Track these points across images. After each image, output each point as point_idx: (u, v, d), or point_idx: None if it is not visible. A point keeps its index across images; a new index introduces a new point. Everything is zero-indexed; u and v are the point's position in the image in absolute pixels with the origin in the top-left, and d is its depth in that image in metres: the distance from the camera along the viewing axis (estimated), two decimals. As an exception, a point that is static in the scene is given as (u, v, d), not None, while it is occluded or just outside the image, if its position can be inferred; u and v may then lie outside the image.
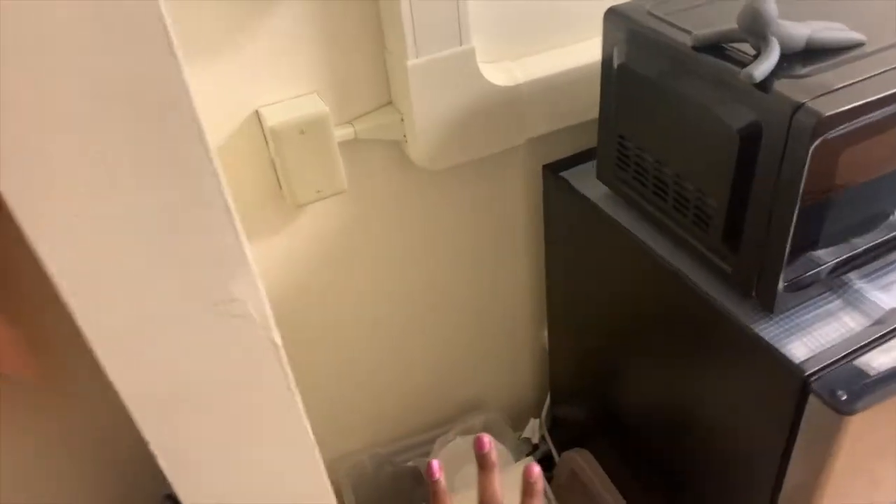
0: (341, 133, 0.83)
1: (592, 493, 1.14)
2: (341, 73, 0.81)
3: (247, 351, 0.54)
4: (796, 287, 0.67)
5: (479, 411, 1.21)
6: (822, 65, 0.62)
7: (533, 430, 1.26)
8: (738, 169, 0.63)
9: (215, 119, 0.77)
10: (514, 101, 0.87)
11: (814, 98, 0.57)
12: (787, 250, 0.63)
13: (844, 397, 0.61)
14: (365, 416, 1.15)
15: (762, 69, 0.59)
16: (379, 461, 1.15)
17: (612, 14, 0.74)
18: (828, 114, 0.56)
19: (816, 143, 0.57)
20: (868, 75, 0.60)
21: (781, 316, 0.69)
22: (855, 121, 0.57)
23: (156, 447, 0.49)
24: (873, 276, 0.72)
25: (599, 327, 0.98)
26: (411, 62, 0.78)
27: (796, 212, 0.60)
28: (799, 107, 0.57)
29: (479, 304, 1.10)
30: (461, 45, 0.80)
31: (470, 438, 1.14)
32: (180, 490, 0.54)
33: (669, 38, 0.68)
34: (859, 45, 0.64)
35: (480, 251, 1.04)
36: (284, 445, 0.69)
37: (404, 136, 0.85)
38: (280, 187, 0.84)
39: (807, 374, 0.63)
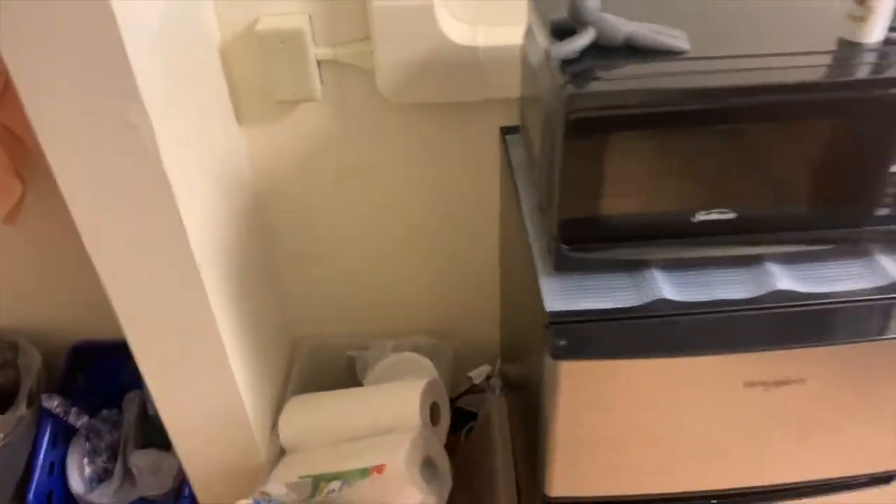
0: (322, 52, 1.02)
1: (491, 440, 1.26)
2: (333, 3, 1.00)
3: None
4: (583, 257, 0.76)
5: (435, 336, 1.36)
6: (627, 59, 0.70)
7: (479, 373, 1.38)
8: (544, 139, 0.74)
9: (227, 18, 1.00)
10: (472, 60, 1.00)
11: (582, 80, 0.66)
12: (558, 218, 0.73)
13: (560, 346, 0.71)
14: (337, 307, 1.35)
15: (564, 49, 0.69)
16: (332, 347, 1.35)
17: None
18: (577, 92, 0.65)
19: (573, 117, 0.66)
20: (648, 73, 0.67)
21: (568, 276, 0.77)
22: (611, 108, 0.66)
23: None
24: (676, 273, 0.78)
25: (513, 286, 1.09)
26: (376, 3, 0.95)
27: (557, 181, 0.70)
28: (565, 83, 0.66)
29: (447, 242, 1.25)
30: (420, -2, 0.95)
31: (407, 356, 1.30)
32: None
33: (542, 24, 0.78)
34: (680, 52, 0.70)
35: (448, 192, 1.19)
36: (169, 267, 0.91)
37: (373, 66, 1.03)
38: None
39: (548, 321, 0.73)
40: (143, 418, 1.38)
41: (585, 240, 0.76)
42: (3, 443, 1.21)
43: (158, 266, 0.92)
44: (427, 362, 1.28)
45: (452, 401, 1.36)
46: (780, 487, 0.85)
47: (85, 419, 1.33)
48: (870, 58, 0.70)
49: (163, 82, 0.82)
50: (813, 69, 0.69)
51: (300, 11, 1.00)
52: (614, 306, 0.74)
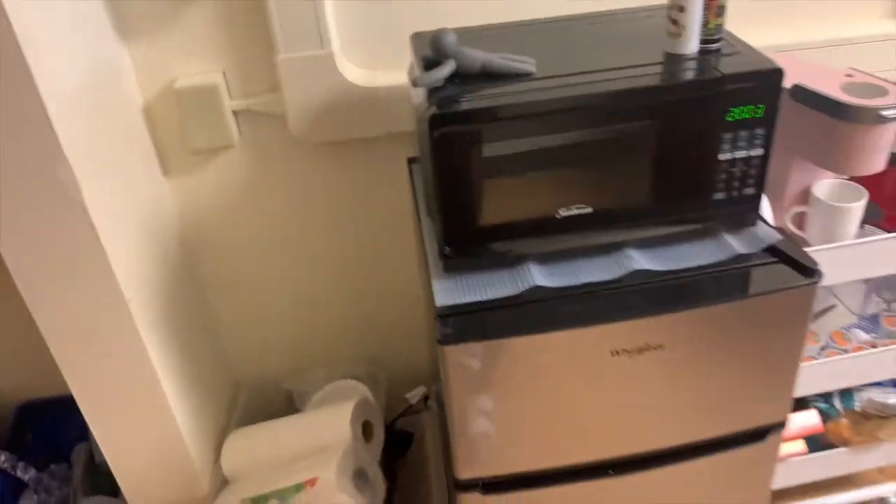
0: (237, 103, 1.13)
1: (426, 455, 1.34)
2: (244, 59, 1.11)
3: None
4: (468, 254, 0.87)
5: (370, 363, 1.44)
6: (483, 84, 0.82)
7: (415, 394, 1.46)
8: (423, 158, 0.85)
9: (147, 80, 1.10)
10: (373, 99, 1.12)
11: (443, 102, 0.78)
12: (442, 224, 0.84)
13: (447, 334, 0.80)
14: (274, 345, 1.43)
15: (426, 78, 0.81)
16: (272, 383, 1.42)
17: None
18: (438, 113, 0.77)
19: (437, 134, 0.78)
20: (500, 93, 0.79)
21: (456, 276, 0.88)
22: (469, 123, 0.78)
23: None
24: (548, 265, 0.88)
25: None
26: (281, 57, 1.07)
27: (435, 193, 0.81)
28: (428, 106, 0.78)
29: (372, 270, 1.34)
30: (322, 48, 1.07)
31: (341, 383, 1.37)
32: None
33: (416, 60, 0.90)
34: (528, 74, 0.83)
35: (368, 223, 1.28)
36: (100, 306, 0.99)
37: (284, 112, 1.14)
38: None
39: (437, 314, 0.83)
40: (91, 468, 1.42)
41: (467, 243, 0.86)
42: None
43: (90, 306, 0.99)
44: (362, 387, 1.36)
45: (391, 422, 1.43)
46: (665, 452, 0.94)
47: (32, 472, 1.36)
48: (688, 65, 0.83)
49: (86, 141, 0.91)
50: (640, 78, 0.82)
51: (215, 69, 1.11)
52: (495, 297, 0.85)
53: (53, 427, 1.44)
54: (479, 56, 0.83)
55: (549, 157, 0.83)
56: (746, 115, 0.82)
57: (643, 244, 0.90)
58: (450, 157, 0.80)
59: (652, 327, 0.83)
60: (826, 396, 1.30)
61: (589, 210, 0.86)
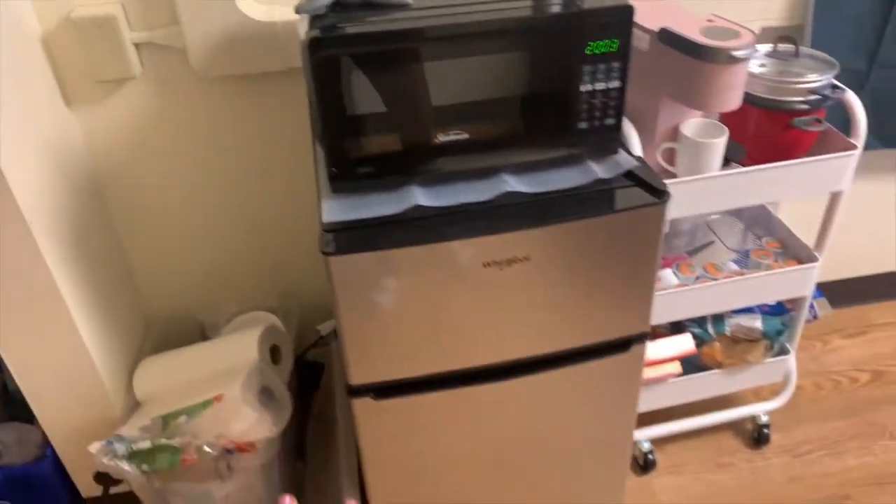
0: (137, 35, 1.16)
1: (333, 381, 1.42)
2: (145, -7, 1.14)
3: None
4: (352, 177, 0.93)
5: (281, 297, 1.50)
6: (362, 13, 0.88)
7: (327, 326, 1.53)
8: (309, 85, 0.90)
9: (44, 11, 1.12)
10: (272, 34, 1.16)
11: (323, 28, 0.84)
12: (327, 146, 0.90)
13: (329, 246, 0.87)
14: (184, 280, 1.47)
15: (307, 5, 0.86)
16: (185, 318, 1.47)
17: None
18: (317, 36, 0.82)
19: (313, 57, 0.83)
20: (375, 21, 0.86)
21: (341, 190, 0.94)
22: (347, 47, 0.83)
23: None
24: (430, 187, 0.96)
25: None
26: (179, -10, 1.10)
27: (318, 116, 0.87)
28: (309, 32, 0.83)
29: (278, 201, 1.39)
30: (220, -18, 1.11)
31: (252, 315, 1.43)
32: None
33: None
34: (405, 5, 0.89)
35: (270, 155, 1.33)
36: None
37: (185, 46, 1.17)
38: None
39: (322, 228, 0.90)
40: (5, 396, 1.45)
41: (352, 165, 0.93)
42: None
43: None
44: (272, 317, 1.42)
45: (303, 353, 1.50)
46: (538, 359, 1.04)
47: (-56, 401, 1.39)
48: (551, 3, 0.91)
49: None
50: (507, 11, 0.89)
51: (114, 0, 1.14)
52: (378, 214, 0.92)
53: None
54: (360, -12, 0.89)
55: (425, 85, 0.90)
56: (603, 50, 0.90)
57: (516, 170, 0.98)
58: (330, 81, 0.86)
59: (518, 241, 0.92)
60: (700, 322, 1.43)
61: (465, 136, 0.93)
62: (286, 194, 1.39)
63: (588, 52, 0.90)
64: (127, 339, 1.38)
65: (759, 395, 1.63)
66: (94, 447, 1.18)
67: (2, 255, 1.07)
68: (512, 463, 1.18)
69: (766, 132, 1.21)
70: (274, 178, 1.36)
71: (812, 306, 1.53)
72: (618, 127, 0.97)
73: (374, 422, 1.05)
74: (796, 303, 1.42)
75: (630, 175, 0.98)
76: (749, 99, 1.17)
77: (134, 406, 1.31)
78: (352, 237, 0.90)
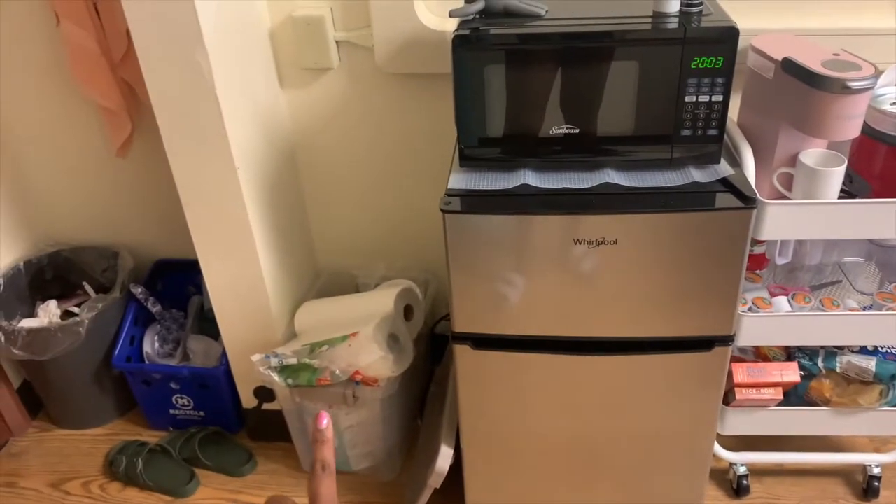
0: (339, 34, 1.45)
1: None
2: (348, 1, 1.42)
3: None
4: (476, 155, 1.12)
5: (424, 271, 1.72)
6: (502, 20, 1.07)
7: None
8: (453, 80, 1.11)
9: (274, 8, 1.44)
10: (442, 41, 1.40)
11: (466, 30, 1.04)
12: (459, 128, 1.10)
13: (447, 204, 1.07)
14: (351, 244, 1.75)
15: (458, 11, 1.08)
16: (346, 275, 1.74)
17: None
18: (461, 34, 1.03)
19: (456, 51, 1.04)
20: (513, 25, 1.05)
21: (467, 166, 1.14)
22: (485, 45, 1.03)
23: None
24: (540, 171, 1.13)
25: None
26: (372, 2, 1.37)
27: (456, 104, 1.07)
28: (455, 32, 1.05)
29: (432, 191, 1.61)
30: (406, -4, 1.36)
31: (397, 280, 1.66)
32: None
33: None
34: (539, 15, 1.07)
35: (430, 147, 1.57)
36: (215, 168, 1.34)
37: (373, 45, 1.44)
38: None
39: (445, 192, 1.10)
40: (201, 315, 1.82)
41: (479, 145, 1.12)
42: (100, 310, 1.66)
43: (210, 170, 1.35)
44: (412, 283, 1.65)
45: (433, 325, 1.71)
46: (620, 340, 1.15)
47: (159, 307, 1.77)
48: (667, 20, 1.04)
49: (221, 44, 1.26)
50: (625, 25, 1.04)
51: (325, 5, 1.43)
52: (492, 188, 1.10)
53: (178, 282, 1.85)
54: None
55: (547, 83, 1.07)
56: (708, 65, 1.02)
57: (620, 166, 1.12)
58: (466, 73, 1.06)
59: (608, 223, 1.05)
60: (811, 355, 1.44)
61: (577, 130, 1.09)
62: (436, 181, 1.60)
63: (693, 67, 1.02)
64: (297, 281, 1.68)
65: (878, 448, 1.57)
66: (256, 357, 1.47)
67: (213, 193, 1.38)
68: (593, 444, 1.29)
69: (892, 170, 1.22)
70: (428, 164, 1.59)
71: (941, 359, 1.47)
72: (719, 138, 1.07)
73: (470, 369, 1.22)
74: (921, 351, 1.38)
75: (725, 182, 1.07)
76: (877, 136, 1.21)
77: (292, 335, 1.59)
78: (466, 202, 1.09)
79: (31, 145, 1.75)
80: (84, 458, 1.76)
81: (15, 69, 1.64)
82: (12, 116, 1.71)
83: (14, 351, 1.61)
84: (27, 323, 1.69)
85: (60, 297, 1.82)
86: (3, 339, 1.60)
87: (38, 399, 1.86)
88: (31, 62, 1.62)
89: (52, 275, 1.85)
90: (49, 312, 1.75)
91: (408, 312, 1.57)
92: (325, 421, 0.55)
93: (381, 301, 1.52)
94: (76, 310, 1.77)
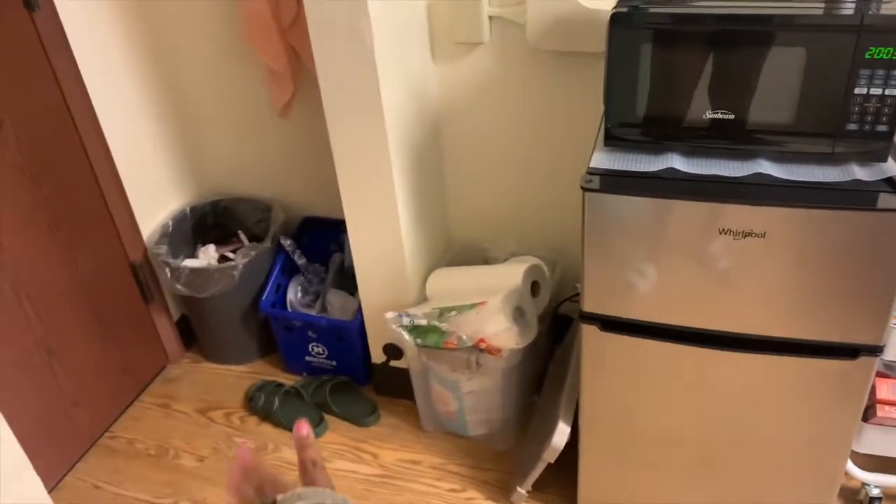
0: (493, 10, 1.47)
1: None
2: (505, -24, 1.45)
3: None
4: (623, 135, 1.12)
5: (552, 251, 1.73)
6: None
7: (589, 284, 1.72)
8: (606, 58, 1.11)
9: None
10: (595, 20, 1.38)
11: (626, 7, 1.03)
12: (607, 104, 1.09)
13: (588, 183, 1.08)
14: (484, 218, 1.78)
15: (621, -10, 1.07)
16: (477, 247, 1.78)
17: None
18: (618, 11, 1.02)
19: (613, 28, 1.03)
20: (676, 4, 1.03)
21: (612, 145, 1.13)
22: (641, 24, 1.02)
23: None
24: (689, 156, 1.10)
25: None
26: (531, -24, 1.38)
27: (607, 80, 1.07)
28: (615, 7, 1.04)
29: (571, 173, 1.62)
30: (561, -28, 1.36)
31: (526, 257, 1.68)
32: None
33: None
34: (705, -4, 1.04)
35: (574, 128, 1.56)
36: (368, 133, 1.41)
37: (525, 22, 1.45)
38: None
39: (587, 170, 1.10)
40: (341, 270, 1.93)
41: (627, 127, 1.11)
42: (252, 258, 1.81)
43: (362, 132, 1.42)
44: (540, 261, 1.66)
45: (557, 305, 1.72)
46: (758, 338, 1.11)
47: (304, 261, 1.90)
48: (844, 6, 0.98)
49: (383, 14, 1.32)
50: (797, 10, 0.99)
51: (483, -21, 1.46)
52: (637, 169, 1.09)
53: (323, 238, 1.96)
54: (668, -20, 1.06)
55: (704, 66, 1.03)
56: (885, 56, 0.95)
57: (775, 157, 1.07)
58: (621, 51, 1.05)
59: (756, 215, 1.01)
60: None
61: (731, 116, 1.05)
62: (575, 161, 1.59)
63: (868, 57, 0.96)
64: (431, 248, 1.74)
65: None
66: (389, 315, 1.55)
67: (365, 157, 1.46)
68: (716, 443, 1.26)
69: None
70: (570, 145, 1.58)
71: None
72: (890, 134, 1.00)
73: (596, 350, 1.23)
74: None
75: (890, 182, 1.01)
76: None
77: (423, 299, 1.66)
78: (608, 181, 1.09)
79: (203, 103, 1.92)
80: (228, 391, 1.93)
81: (192, 33, 1.80)
82: (189, 77, 1.88)
83: (178, 286, 1.78)
84: (189, 262, 1.86)
85: (219, 242, 1.99)
86: (168, 274, 1.78)
87: (193, 333, 2.06)
88: (207, 25, 1.77)
89: (212, 221, 2.02)
90: (208, 255, 1.92)
91: (534, 289, 1.58)
92: (305, 430, 0.59)
93: (510, 274, 1.55)
94: (231, 255, 1.93)
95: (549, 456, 1.38)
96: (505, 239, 1.76)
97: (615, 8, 1.04)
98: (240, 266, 1.78)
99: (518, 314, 1.49)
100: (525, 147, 1.65)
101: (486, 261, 1.77)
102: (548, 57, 1.50)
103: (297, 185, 1.98)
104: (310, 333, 1.83)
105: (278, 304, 1.88)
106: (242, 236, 2.01)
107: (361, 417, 1.78)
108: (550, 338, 1.78)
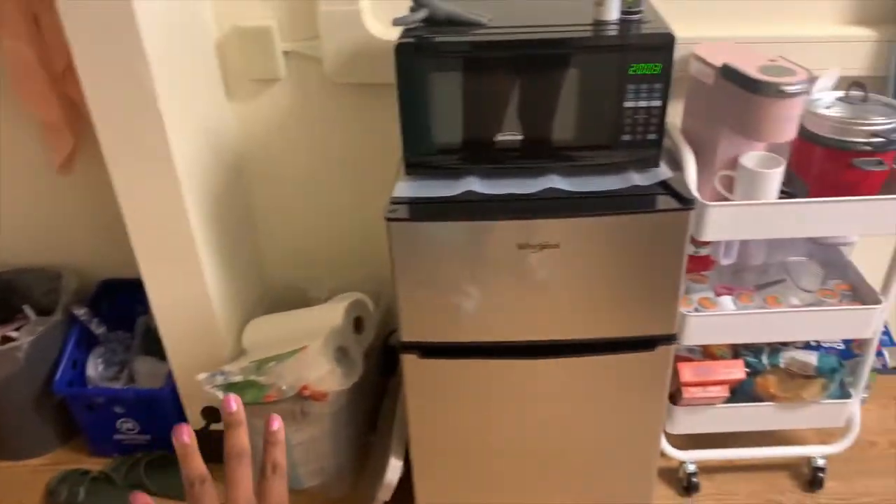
0: (287, 45, 1.44)
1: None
2: (295, 9, 1.41)
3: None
4: (422, 163, 1.12)
5: (377, 283, 1.70)
6: (446, 28, 1.08)
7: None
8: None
9: (220, 19, 1.43)
10: (389, 50, 1.39)
11: (409, 37, 1.04)
12: (403, 135, 1.10)
13: (392, 213, 1.07)
14: (302, 258, 1.72)
15: (401, 19, 1.08)
16: (297, 289, 1.72)
17: None
18: (404, 42, 1.03)
19: (400, 59, 1.04)
20: (454, 33, 1.05)
21: (413, 173, 1.14)
22: (427, 53, 1.04)
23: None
24: (485, 178, 1.13)
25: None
26: (321, 10, 1.37)
27: (400, 111, 1.07)
28: (399, 38, 1.05)
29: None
30: (352, 4, 1.36)
31: (349, 293, 1.64)
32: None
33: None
34: (481, 24, 1.08)
35: (379, 158, 1.55)
36: (156, 179, 1.31)
37: (322, 56, 1.43)
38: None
39: (390, 200, 1.09)
40: (147, 335, 1.77)
41: (423, 154, 1.12)
42: (39, 334, 1.61)
43: (152, 182, 1.32)
44: (363, 295, 1.63)
45: (386, 337, 1.70)
46: (565, 343, 1.16)
47: (104, 329, 1.72)
48: (606, 28, 1.06)
49: (164, 55, 1.23)
50: (564, 32, 1.05)
51: (272, 16, 1.43)
52: (437, 195, 1.10)
53: (125, 302, 1.79)
54: (446, 7, 1.09)
55: (490, 91, 1.08)
56: (646, 71, 1.04)
57: (564, 172, 1.13)
58: (411, 80, 1.06)
59: (550, 228, 1.06)
60: (756, 352, 1.46)
61: (520, 137, 1.10)
62: (385, 191, 1.59)
63: (632, 73, 1.04)
64: (246, 297, 1.65)
65: (823, 440, 1.60)
66: (201, 376, 1.43)
67: (157, 209, 1.35)
68: (542, 447, 1.29)
69: (828, 171, 1.26)
70: (378, 175, 1.56)
71: (881, 354, 1.51)
72: (658, 142, 1.09)
73: (418, 378, 1.21)
74: (862, 347, 1.41)
75: (664, 185, 1.09)
76: (813, 138, 1.24)
77: (240, 353, 1.56)
78: (411, 209, 1.09)
79: (-32, 163, 1.70)
80: (23, 489, 1.68)
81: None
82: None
83: (-53, 377, 1.54)
84: (-38, 349, 1.62)
85: (0, 322, 1.76)
86: (-65, 364, 1.54)
87: (-26, 428, 1.79)
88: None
89: (-10, 299, 1.78)
90: (-14, 337, 1.69)
91: (358, 325, 1.55)
92: (277, 424, 0.53)
93: (330, 314, 1.50)
94: (15, 334, 1.70)
95: (384, 495, 1.33)
96: (324, 277, 1.71)
97: (400, 38, 1.05)
98: (25, 345, 1.57)
99: (341, 354, 1.44)
100: (334, 181, 1.62)
101: (307, 302, 1.70)
102: (348, 90, 1.49)
103: (90, 247, 1.80)
104: (116, 409, 1.65)
105: (77, 381, 1.68)
106: (29, 311, 1.78)
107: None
108: (382, 371, 1.74)
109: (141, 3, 1.15)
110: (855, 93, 1.28)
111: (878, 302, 1.33)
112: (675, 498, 1.54)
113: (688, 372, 1.39)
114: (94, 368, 1.71)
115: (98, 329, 1.72)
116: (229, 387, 1.42)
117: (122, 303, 1.79)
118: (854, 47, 1.36)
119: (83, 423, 1.70)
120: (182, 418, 1.66)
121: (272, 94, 1.51)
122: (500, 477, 1.33)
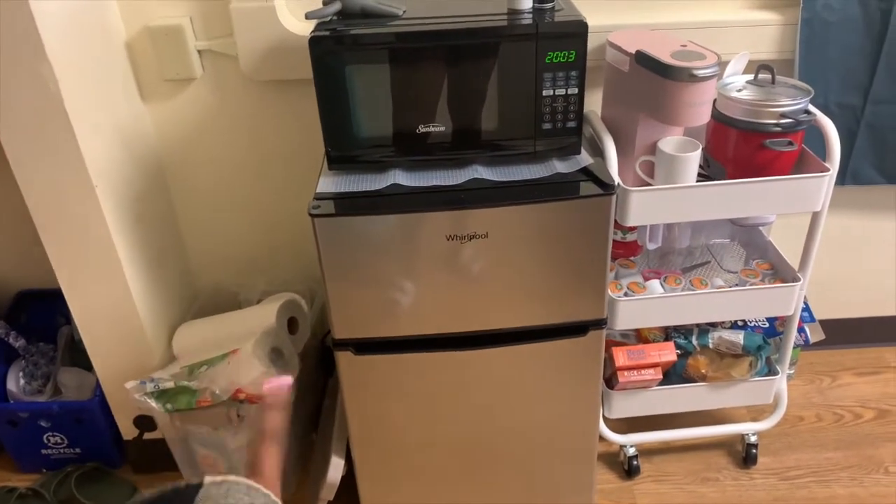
0: (201, 43, 1.40)
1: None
2: (208, 7, 1.38)
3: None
4: (345, 158, 1.11)
5: (312, 282, 1.68)
6: (360, 21, 1.06)
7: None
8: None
9: (129, 18, 1.37)
10: (306, 45, 1.37)
11: (323, 31, 1.03)
12: (325, 130, 1.08)
13: (316, 209, 1.05)
14: (233, 259, 1.69)
15: (314, 13, 1.06)
16: (228, 293, 1.68)
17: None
18: (317, 36, 1.01)
19: (315, 52, 1.02)
20: (369, 25, 1.04)
21: (336, 168, 1.12)
22: (342, 46, 1.02)
23: None
24: (410, 171, 1.12)
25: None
26: (233, 6, 1.33)
27: (319, 105, 1.05)
28: (313, 32, 1.03)
29: (305, 197, 1.59)
30: (265, 2, 1.33)
31: (282, 294, 1.61)
32: None
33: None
34: (396, 16, 1.07)
35: (305, 153, 1.53)
36: (71, 186, 1.26)
37: (237, 53, 1.40)
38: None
39: (314, 196, 1.08)
40: (71, 345, 1.70)
41: (346, 148, 1.11)
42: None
43: (63, 187, 1.26)
44: (295, 295, 1.60)
45: (322, 337, 1.68)
46: (498, 332, 1.17)
47: (22, 342, 1.65)
48: (521, 17, 1.07)
49: (69, 56, 1.18)
50: (480, 22, 1.05)
51: (184, 14, 1.38)
52: (362, 189, 1.09)
53: (46, 313, 1.72)
54: (360, 0, 1.08)
55: (409, 82, 1.07)
56: (562, 59, 1.05)
57: (488, 162, 1.13)
58: (327, 74, 1.04)
59: (477, 218, 1.06)
60: (686, 334, 1.50)
61: (442, 128, 1.09)
62: (311, 188, 1.57)
63: (548, 61, 1.05)
64: (174, 302, 1.60)
65: (754, 417, 1.66)
66: (130, 384, 1.39)
67: (71, 215, 1.30)
68: (482, 439, 1.30)
69: (742, 153, 1.30)
70: (303, 172, 1.55)
71: (803, 330, 1.57)
72: (578, 130, 1.11)
73: (354, 375, 1.20)
74: (785, 324, 1.47)
75: (586, 171, 1.11)
76: (727, 121, 1.28)
77: (170, 359, 1.52)
78: (336, 205, 1.07)
79: None
80: (-55, 513, 1.60)
81: None
82: None
83: None
84: None
85: None
86: None
87: None
88: None
89: None
90: None
91: (293, 325, 1.52)
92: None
93: (263, 315, 1.47)
94: (-74, 352, 1.62)
95: (327, 494, 1.32)
96: (256, 279, 1.68)
97: (313, 32, 1.03)
98: (-63, 363, 1.50)
99: (276, 355, 1.41)
100: (258, 180, 1.58)
101: (238, 305, 1.67)
102: (267, 87, 1.46)
103: (4, 257, 1.72)
104: (42, 423, 1.58)
105: (-3, 398, 1.61)
106: (-60, 327, 1.70)
107: (120, 503, 1.58)
108: (322, 371, 1.72)
109: (38, 3, 1.10)
110: (763, 76, 1.33)
111: (797, 280, 1.38)
112: (617, 481, 1.57)
113: (622, 356, 1.42)
114: (16, 383, 1.64)
115: (17, 342, 1.65)
116: (161, 394, 1.38)
117: (43, 314, 1.73)
118: (761, 31, 1.40)
119: (7, 439, 1.63)
120: (114, 429, 1.61)
121: (189, 94, 1.47)
122: (442, 470, 1.33)
